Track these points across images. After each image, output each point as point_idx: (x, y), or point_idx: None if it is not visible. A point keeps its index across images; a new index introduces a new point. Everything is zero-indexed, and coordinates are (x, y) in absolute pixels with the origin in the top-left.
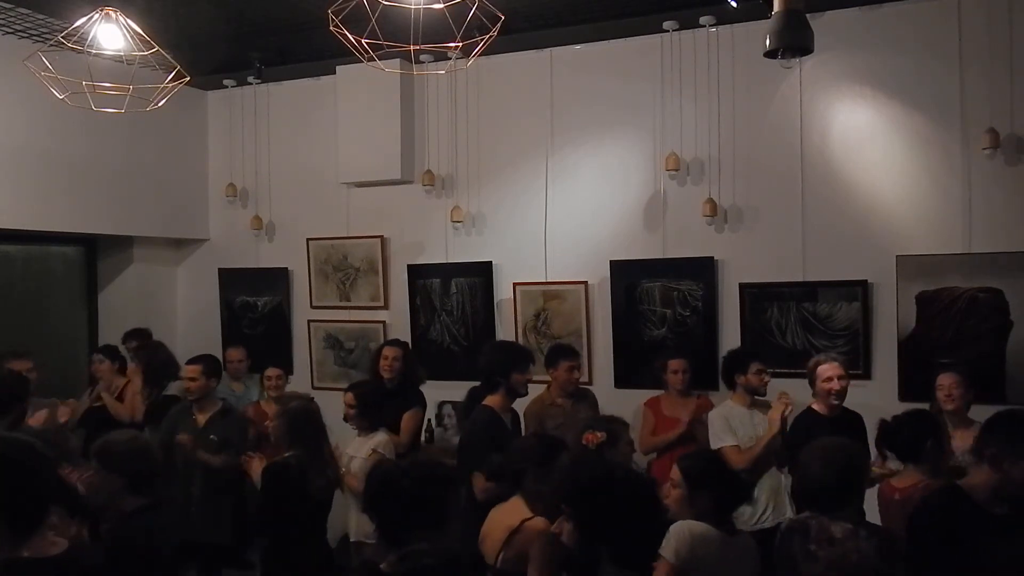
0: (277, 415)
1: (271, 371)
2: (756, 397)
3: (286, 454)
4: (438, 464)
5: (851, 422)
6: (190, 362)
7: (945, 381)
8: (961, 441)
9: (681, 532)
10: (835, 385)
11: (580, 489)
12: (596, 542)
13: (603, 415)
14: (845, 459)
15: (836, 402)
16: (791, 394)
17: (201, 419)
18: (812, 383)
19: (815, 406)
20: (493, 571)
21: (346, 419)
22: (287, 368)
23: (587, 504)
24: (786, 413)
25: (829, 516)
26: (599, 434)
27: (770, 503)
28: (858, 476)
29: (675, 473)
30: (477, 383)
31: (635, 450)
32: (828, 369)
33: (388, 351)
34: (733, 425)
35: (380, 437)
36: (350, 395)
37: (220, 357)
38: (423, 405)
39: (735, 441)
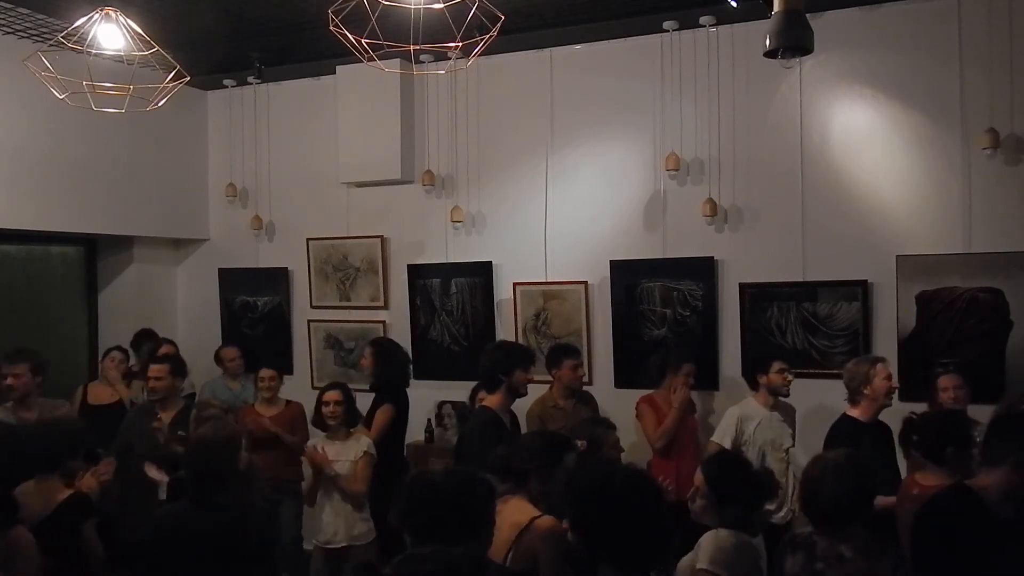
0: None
1: (265, 372)
2: (779, 398)
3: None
4: (475, 475)
5: (884, 431)
6: (154, 361)
7: (948, 383)
8: None
9: (719, 543)
10: (896, 383)
11: (576, 493)
12: (595, 544)
13: (587, 418)
14: (858, 475)
15: (890, 404)
16: (797, 394)
17: (166, 417)
18: (864, 383)
19: (853, 412)
20: (500, 569)
21: (331, 419)
22: (287, 368)
23: (584, 508)
24: None
25: (836, 533)
26: (580, 443)
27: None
28: (869, 492)
29: (699, 480)
30: (476, 383)
31: (623, 451)
32: (886, 368)
33: (365, 350)
34: (743, 427)
35: (365, 439)
36: (337, 393)
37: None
38: (394, 402)
39: (727, 445)
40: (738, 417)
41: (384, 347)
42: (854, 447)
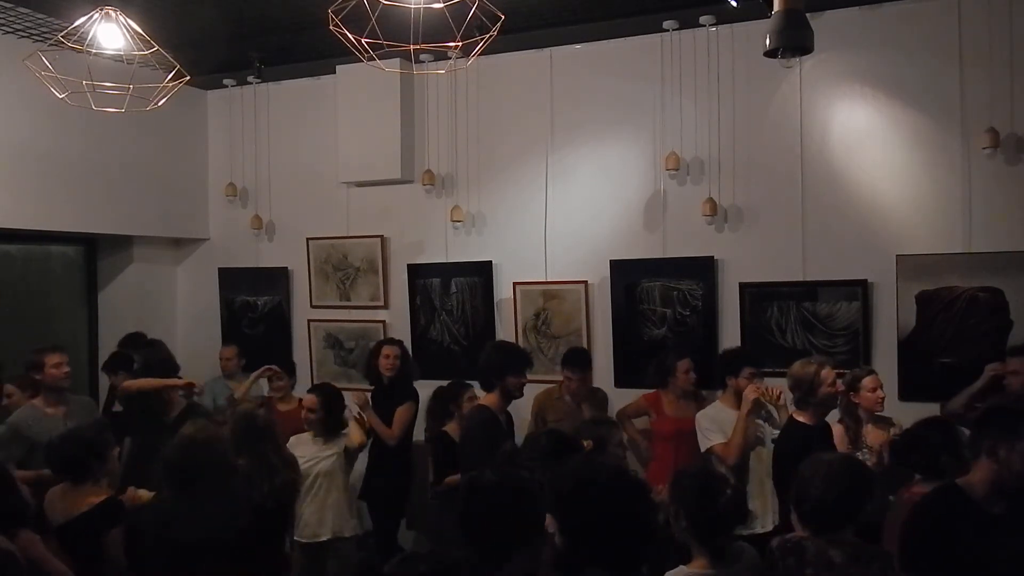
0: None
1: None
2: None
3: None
4: (529, 478)
5: (828, 432)
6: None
7: (873, 384)
8: (874, 438)
9: None
10: (841, 386)
11: (559, 495)
12: (581, 546)
13: (592, 418)
14: (851, 478)
15: (834, 406)
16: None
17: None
18: (810, 391)
19: (800, 417)
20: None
21: (306, 424)
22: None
23: (567, 510)
24: (774, 401)
25: (826, 537)
26: (586, 443)
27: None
28: (861, 496)
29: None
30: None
31: (627, 449)
32: (832, 373)
33: (388, 350)
34: (722, 426)
35: (343, 439)
36: (312, 398)
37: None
38: (415, 399)
39: (724, 438)
40: (712, 418)
41: (405, 347)
42: (806, 453)
